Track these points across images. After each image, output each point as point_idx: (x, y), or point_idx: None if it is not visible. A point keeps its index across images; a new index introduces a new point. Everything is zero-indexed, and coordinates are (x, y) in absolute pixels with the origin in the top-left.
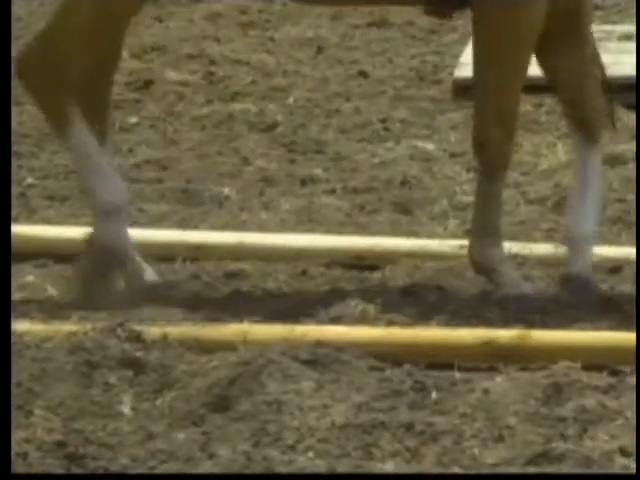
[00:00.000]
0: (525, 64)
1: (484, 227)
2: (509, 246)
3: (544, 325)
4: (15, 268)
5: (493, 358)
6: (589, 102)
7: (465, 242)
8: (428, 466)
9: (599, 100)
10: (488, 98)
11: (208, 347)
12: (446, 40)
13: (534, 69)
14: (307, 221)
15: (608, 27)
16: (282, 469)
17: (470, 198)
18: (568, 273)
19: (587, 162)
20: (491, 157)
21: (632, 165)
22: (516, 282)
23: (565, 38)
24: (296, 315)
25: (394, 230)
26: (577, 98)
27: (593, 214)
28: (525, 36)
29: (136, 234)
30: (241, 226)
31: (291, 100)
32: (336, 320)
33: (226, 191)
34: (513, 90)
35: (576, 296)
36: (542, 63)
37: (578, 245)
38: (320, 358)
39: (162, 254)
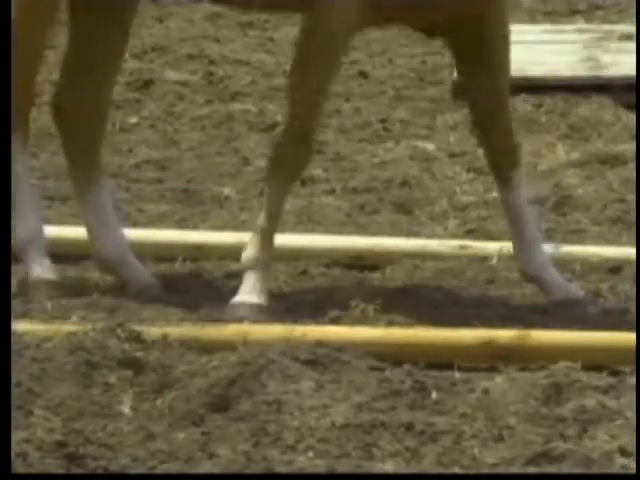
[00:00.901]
0: (324, 73)
1: None
2: (509, 246)
3: (544, 325)
4: (15, 268)
5: (493, 358)
6: (499, 138)
7: (465, 242)
8: (428, 466)
9: (510, 136)
10: (292, 99)
11: (208, 347)
12: None
13: (533, 69)
14: (307, 221)
15: (608, 27)
16: (282, 469)
17: (470, 198)
18: (556, 301)
19: (509, 200)
20: (287, 163)
21: (632, 165)
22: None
23: (478, 65)
24: (296, 315)
25: (394, 230)
26: (487, 131)
27: (538, 242)
28: (326, 38)
29: (136, 234)
30: (241, 226)
31: None
32: (336, 320)
33: (226, 191)
34: (314, 93)
35: (577, 312)
36: (464, 91)
37: (541, 276)
38: (320, 358)
39: (162, 254)
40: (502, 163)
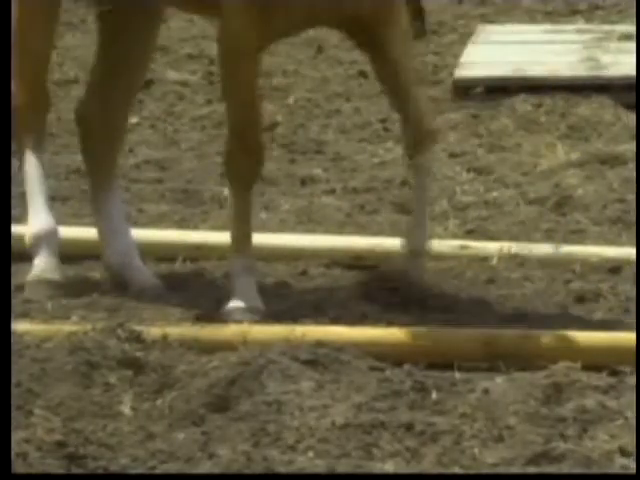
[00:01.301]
0: (240, 81)
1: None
2: (509, 246)
3: (544, 325)
4: (15, 268)
5: (493, 358)
6: (409, 126)
7: (465, 242)
8: (428, 466)
9: (419, 125)
10: (227, 114)
11: (208, 347)
12: (446, 40)
13: (533, 69)
14: (307, 221)
15: (608, 27)
16: (282, 469)
17: (470, 198)
18: (399, 278)
19: (415, 176)
20: (238, 174)
21: (632, 165)
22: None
23: (382, 64)
24: (296, 315)
25: (394, 230)
26: (401, 118)
27: (424, 228)
28: (227, 54)
29: (136, 234)
30: None
31: (291, 100)
32: (336, 320)
33: (226, 191)
34: (240, 106)
35: (401, 297)
36: (375, 72)
37: (414, 256)
38: (320, 358)
39: (162, 254)
40: (412, 148)
